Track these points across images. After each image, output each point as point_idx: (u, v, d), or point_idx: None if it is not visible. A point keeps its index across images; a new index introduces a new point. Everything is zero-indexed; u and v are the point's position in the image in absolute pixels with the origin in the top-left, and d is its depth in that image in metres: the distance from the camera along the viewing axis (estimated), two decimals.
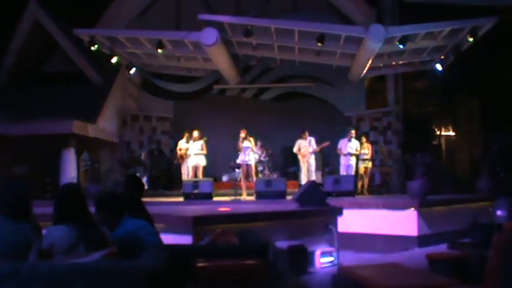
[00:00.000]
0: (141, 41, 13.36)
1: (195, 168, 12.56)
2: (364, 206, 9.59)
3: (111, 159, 15.44)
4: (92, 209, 3.71)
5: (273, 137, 14.97)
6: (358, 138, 13.59)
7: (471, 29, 11.79)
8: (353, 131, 12.96)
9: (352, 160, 12.79)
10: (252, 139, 12.08)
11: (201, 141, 12.57)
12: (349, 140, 12.79)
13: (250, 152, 11.97)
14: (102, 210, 3.79)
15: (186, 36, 13.02)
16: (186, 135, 13.27)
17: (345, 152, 12.72)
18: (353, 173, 12.60)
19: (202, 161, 12.58)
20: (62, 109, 13.20)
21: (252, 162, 12.12)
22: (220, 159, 14.53)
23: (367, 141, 13.60)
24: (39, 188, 12.23)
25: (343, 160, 12.86)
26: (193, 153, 12.58)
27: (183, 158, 13.20)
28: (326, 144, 12.85)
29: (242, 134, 11.95)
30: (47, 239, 3.27)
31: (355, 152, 12.78)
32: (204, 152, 12.54)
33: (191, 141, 12.76)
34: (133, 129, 16.14)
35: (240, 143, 11.91)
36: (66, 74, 14.75)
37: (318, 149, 12.90)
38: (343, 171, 12.72)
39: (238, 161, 12.24)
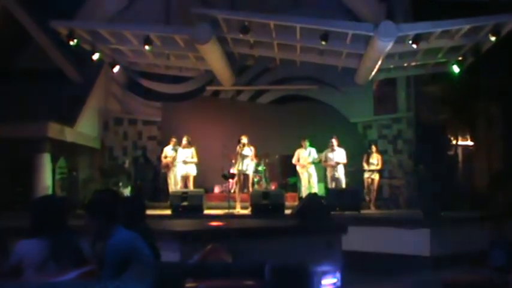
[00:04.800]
0: (127, 36, 13.35)
1: (185, 178, 12.51)
2: (371, 223, 9.57)
3: (90, 167, 15.35)
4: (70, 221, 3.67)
5: (271, 144, 14.92)
6: (367, 147, 13.58)
7: (493, 27, 11.80)
8: (333, 140, 12.85)
9: (339, 171, 12.71)
10: (252, 148, 12.02)
11: (192, 149, 12.52)
12: (333, 150, 12.76)
13: (249, 161, 11.92)
14: (94, 218, 3.74)
15: (176, 32, 13.01)
16: (173, 141, 13.23)
17: (332, 163, 12.69)
18: (343, 185, 12.59)
19: (192, 170, 12.53)
20: (36, 110, 13.13)
21: (250, 173, 12.09)
22: (212, 168, 14.46)
23: (377, 151, 13.50)
24: (8, 199, 12.12)
25: (329, 172, 12.85)
26: (181, 161, 12.52)
27: (168, 166, 13.15)
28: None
29: (244, 140, 11.88)
30: (16, 254, 3.23)
31: (342, 161, 12.74)
32: (195, 160, 12.50)
33: (180, 148, 12.70)
34: (117, 133, 16.08)
35: (238, 150, 11.86)
36: (40, 71, 14.64)
37: (317, 160, 12.88)
38: (331, 184, 12.72)
39: (234, 170, 12.18)
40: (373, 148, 13.38)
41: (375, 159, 13.16)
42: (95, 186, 13.68)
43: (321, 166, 13.44)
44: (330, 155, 12.76)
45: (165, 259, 4.58)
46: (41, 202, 3.66)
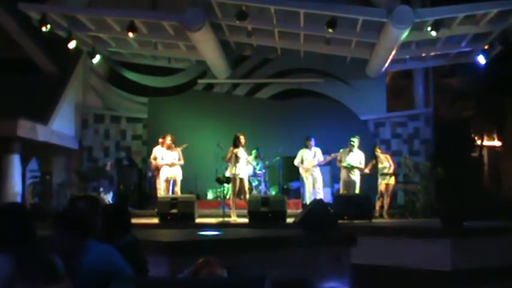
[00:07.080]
0: (108, 22, 13.33)
1: (169, 182, 12.47)
2: (384, 233, 9.58)
3: (67, 169, 15.35)
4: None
5: (271, 144, 14.91)
6: (371, 148, 13.55)
7: None
8: (355, 139, 12.78)
9: (355, 175, 12.71)
10: (252, 154, 11.99)
11: (178, 151, 12.47)
12: (351, 150, 12.73)
13: (243, 163, 11.90)
14: (64, 233, 3.72)
15: (164, 18, 13.01)
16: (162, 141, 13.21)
17: (345, 164, 12.68)
18: (357, 191, 12.58)
19: (179, 174, 12.52)
20: (4, 105, 13.11)
21: (245, 176, 12.08)
22: (205, 171, 14.47)
23: (382, 152, 13.40)
24: None
25: (343, 174, 12.83)
26: (167, 163, 12.48)
27: (159, 169, 13.12)
28: (335, 155, 12.83)
29: (241, 140, 11.85)
30: None
31: (358, 165, 12.70)
32: (182, 162, 12.48)
33: (164, 149, 12.64)
34: (97, 132, 16.09)
35: (232, 150, 11.84)
36: (9, 62, 14.65)
37: (323, 162, 12.86)
38: (343, 189, 12.72)
39: (227, 173, 12.17)
40: (378, 150, 13.21)
41: (386, 162, 13.05)
42: (71, 192, 13.67)
43: (326, 169, 13.43)
44: (346, 156, 12.73)
45: (152, 274, 4.58)
46: (3, 211, 3.62)
